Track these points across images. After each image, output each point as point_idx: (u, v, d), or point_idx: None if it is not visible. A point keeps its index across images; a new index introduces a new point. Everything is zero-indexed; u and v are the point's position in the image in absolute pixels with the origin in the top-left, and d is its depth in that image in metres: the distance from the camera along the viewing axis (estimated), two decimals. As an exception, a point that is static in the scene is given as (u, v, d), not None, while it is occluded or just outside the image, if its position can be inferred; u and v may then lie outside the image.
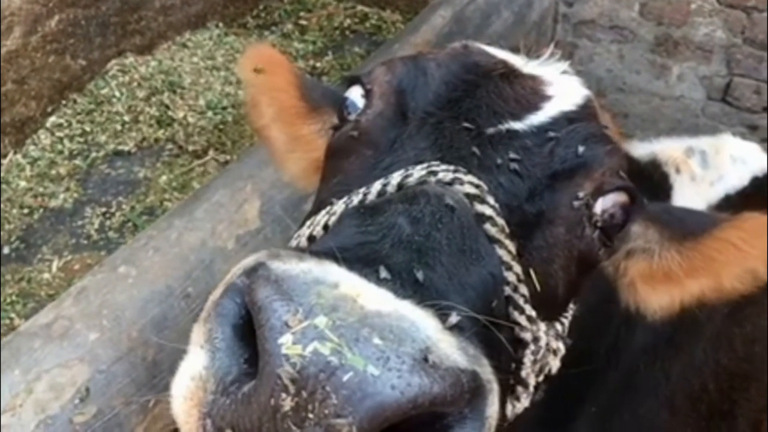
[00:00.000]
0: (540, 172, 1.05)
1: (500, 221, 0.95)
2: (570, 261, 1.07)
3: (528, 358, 0.98)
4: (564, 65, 1.23)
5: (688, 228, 1.23)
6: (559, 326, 1.09)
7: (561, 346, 1.07)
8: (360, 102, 1.15)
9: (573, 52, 4.19)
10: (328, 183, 1.14)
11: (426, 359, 0.63)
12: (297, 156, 1.43)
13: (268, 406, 0.61)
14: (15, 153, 3.17)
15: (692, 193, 1.87)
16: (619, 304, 1.29)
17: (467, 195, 0.94)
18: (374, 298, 0.66)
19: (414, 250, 0.81)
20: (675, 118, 4.17)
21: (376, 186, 0.96)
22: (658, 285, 1.24)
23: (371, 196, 0.95)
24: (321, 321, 0.61)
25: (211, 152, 3.41)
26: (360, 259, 0.75)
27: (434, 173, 0.97)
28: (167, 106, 3.59)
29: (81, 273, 2.53)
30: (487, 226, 0.94)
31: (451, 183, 0.95)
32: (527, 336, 0.97)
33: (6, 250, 2.80)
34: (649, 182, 1.85)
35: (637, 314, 1.55)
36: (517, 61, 1.20)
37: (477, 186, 0.96)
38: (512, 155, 1.04)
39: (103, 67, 3.57)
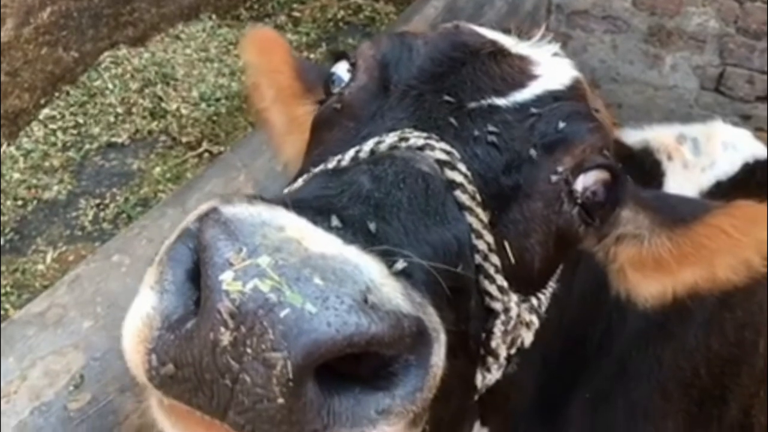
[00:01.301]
0: (518, 146, 1.05)
1: (471, 189, 0.95)
2: (548, 236, 1.06)
3: (498, 328, 0.99)
4: (555, 47, 1.23)
5: (679, 214, 1.23)
6: (534, 300, 1.09)
7: (534, 320, 1.07)
8: (346, 76, 1.16)
9: (566, 43, 4.19)
10: (310, 155, 1.15)
11: (366, 300, 0.63)
12: (293, 138, 1.44)
13: (208, 340, 0.62)
14: (9, 145, 3.16)
15: (684, 179, 1.88)
16: (611, 291, 1.29)
17: (438, 161, 0.95)
18: (319, 241, 0.68)
19: (371, 205, 0.82)
20: (668, 108, 4.18)
21: (350, 153, 0.96)
22: (648, 272, 1.23)
23: (344, 162, 0.95)
24: (263, 260, 0.63)
25: (204, 144, 3.41)
26: (313, 208, 0.76)
27: (406, 139, 0.97)
28: (160, 98, 3.59)
29: (75, 264, 2.53)
30: (457, 192, 0.94)
31: (422, 148, 0.96)
32: (498, 306, 0.98)
33: (1, 241, 2.80)
34: (641, 169, 1.86)
35: (629, 301, 1.56)
36: (508, 42, 1.19)
37: (448, 153, 0.96)
38: (491, 128, 1.04)
39: (95, 59, 3.56)
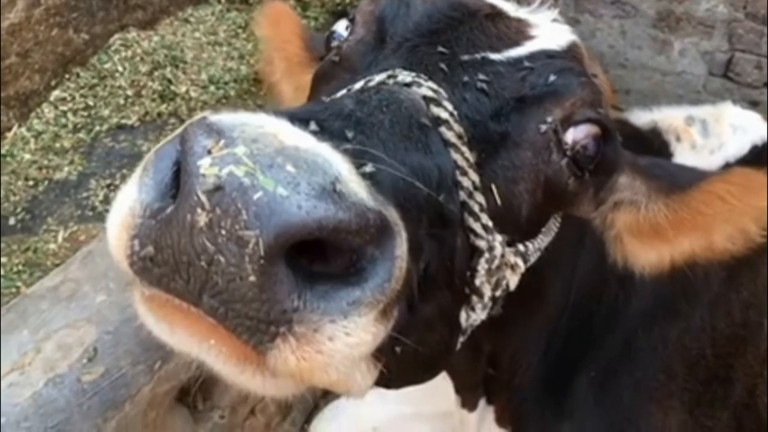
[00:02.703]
0: (508, 95, 1.07)
1: (457, 127, 0.97)
2: (536, 185, 1.09)
3: (482, 266, 1.01)
4: (554, 13, 1.25)
5: (676, 181, 1.24)
6: (521, 247, 1.10)
7: (520, 263, 1.09)
8: (345, 33, 1.19)
9: (575, 28, 4.19)
10: None
11: (335, 190, 0.67)
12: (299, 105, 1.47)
13: (185, 222, 0.65)
14: (20, 126, 3.18)
15: (692, 161, 1.87)
16: (616, 270, 1.31)
17: (424, 97, 0.97)
18: (294, 136, 0.71)
19: (352, 120, 0.86)
20: (676, 94, 4.17)
21: (341, 92, 0.99)
22: (645, 239, 1.25)
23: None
24: (240, 149, 0.66)
25: (213, 126, 3.42)
26: (294, 116, 0.79)
27: (394, 76, 1.00)
28: (170, 81, 3.60)
29: (86, 243, 2.55)
30: (443, 129, 0.96)
31: (409, 85, 0.98)
32: (482, 244, 0.99)
33: (12, 221, 2.83)
34: (650, 150, 1.86)
35: (635, 279, 1.56)
36: (507, 6, 1.21)
37: (435, 91, 0.99)
38: (481, 77, 1.07)
39: (105, 41, 3.57)
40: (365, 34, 1.16)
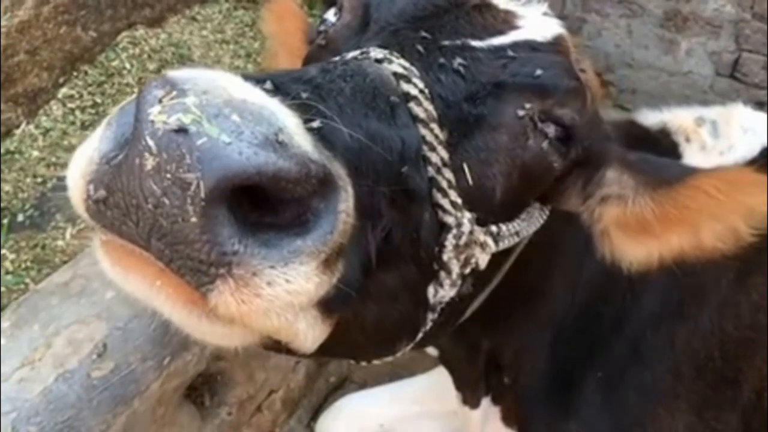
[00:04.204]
0: (485, 79, 1.08)
1: (427, 104, 0.99)
2: (511, 168, 1.10)
3: (449, 242, 1.02)
4: (544, 6, 1.26)
5: (663, 176, 1.24)
6: (494, 228, 1.11)
7: (490, 242, 1.10)
8: (334, 19, 1.21)
9: (581, 27, 4.18)
10: None
11: (278, 140, 0.70)
12: None
13: (134, 166, 0.68)
14: (28, 123, 3.19)
15: (702, 162, 1.87)
16: (624, 270, 1.30)
17: (395, 74, 0.99)
18: (244, 90, 0.74)
19: (311, 85, 0.88)
20: (683, 94, 4.16)
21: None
22: (632, 233, 1.25)
23: None
24: (190, 100, 0.69)
25: (220, 124, 3.42)
26: (252, 77, 0.81)
27: (366, 53, 1.02)
28: (177, 79, 3.60)
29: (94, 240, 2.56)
30: (411, 104, 0.98)
31: (380, 61, 1.00)
32: (450, 220, 1.01)
33: (20, 217, 2.83)
34: (658, 150, 1.86)
35: (643, 280, 1.56)
36: (499, 0, 1.22)
37: (406, 68, 1.00)
38: (459, 60, 1.08)
39: (113, 39, 3.56)
40: (351, 20, 1.19)
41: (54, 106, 3.33)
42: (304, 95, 0.84)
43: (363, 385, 2.91)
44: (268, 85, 0.82)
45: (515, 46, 1.14)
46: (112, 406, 1.61)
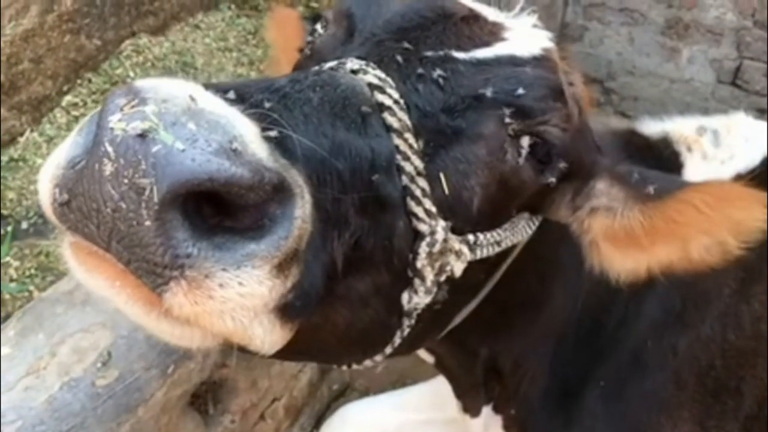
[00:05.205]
0: (465, 92, 1.09)
1: (401, 114, 1.00)
2: (490, 180, 1.11)
3: (423, 249, 1.03)
4: (534, 18, 1.27)
5: (652, 189, 1.24)
6: (471, 237, 1.12)
7: (465, 251, 1.10)
8: (321, 30, 1.24)
9: (583, 35, 4.19)
10: None
11: (232, 148, 0.73)
12: None
13: (94, 171, 0.72)
14: (32, 131, 3.20)
15: (703, 171, 1.87)
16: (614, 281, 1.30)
17: (369, 84, 1.01)
18: (204, 99, 0.76)
19: (278, 94, 0.90)
20: (684, 102, 4.18)
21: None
22: (620, 245, 1.25)
23: None
24: (149, 108, 0.72)
25: (223, 131, 3.43)
26: (216, 86, 0.84)
27: (343, 64, 1.04)
28: (180, 87, 3.61)
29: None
30: (385, 114, 0.99)
31: (356, 72, 1.02)
32: (424, 228, 1.02)
33: (24, 225, 2.84)
34: (659, 159, 1.86)
35: (645, 290, 1.56)
36: (488, 11, 1.24)
37: (382, 79, 1.02)
38: (439, 72, 1.09)
39: (117, 47, 3.57)
40: (336, 30, 1.21)
41: (58, 114, 3.34)
42: (267, 104, 0.86)
43: (365, 393, 2.92)
44: (231, 94, 0.84)
45: (499, 59, 1.15)
46: (117, 415, 1.61)
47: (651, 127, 1.97)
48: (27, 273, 2.60)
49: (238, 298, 0.76)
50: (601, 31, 4.23)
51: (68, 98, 3.40)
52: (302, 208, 0.79)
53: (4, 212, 2.79)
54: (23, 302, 2.44)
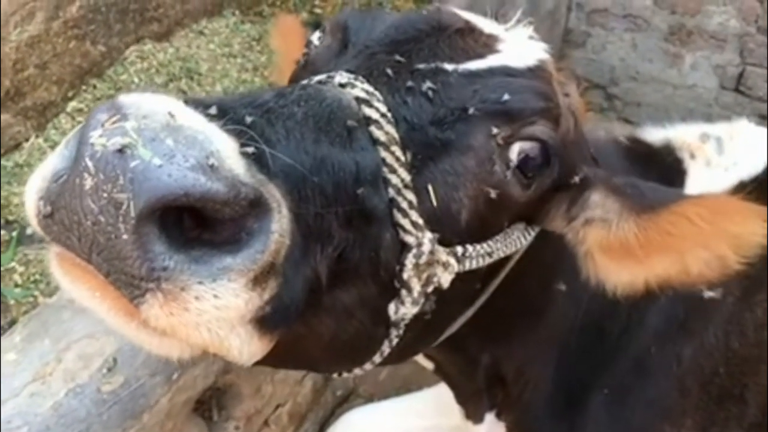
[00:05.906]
0: (454, 104, 1.10)
1: (388, 128, 1.01)
2: (478, 193, 1.11)
3: (410, 261, 1.04)
4: (530, 30, 1.27)
5: (648, 201, 1.24)
6: (459, 248, 1.12)
7: (453, 262, 1.10)
8: (318, 41, 1.25)
9: (586, 41, 4.20)
10: None
11: (209, 164, 0.74)
12: None
13: (75, 185, 0.74)
14: (37, 137, 3.21)
15: (706, 178, 1.87)
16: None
17: (357, 98, 1.01)
18: (184, 115, 0.78)
19: (262, 109, 0.91)
20: (688, 108, 4.18)
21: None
22: (616, 257, 1.25)
23: None
24: (130, 124, 0.74)
25: (227, 137, 3.44)
26: (198, 101, 0.85)
27: (331, 77, 1.05)
28: (185, 92, 3.62)
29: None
30: (372, 128, 1.00)
31: (344, 86, 1.03)
32: (410, 240, 1.03)
33: (29, 230, 2.85)
34: (662, 166, 1.87)
35: (648, 297, 1.56)
36: (484, 23, 1.24)
37: (369, 93, 1.03)
38: (429, 84, 1.10)
39: (122, 53, 3.59)
40: (331, 42, 1.22)
41: (63, 120, 3.36)
42: (249, 119, 0.87)
43: (369, 399, 2.92)
44: (213, 109, 0.85)
45: (492, 70, 1.16)
46: (122, 421, 1.61)
47: (654, 134, 1.98)
48: (32, 278, 2.62)
49: (214, 310, 0.77)
50: (604, 37, 4.24)
51: (73, 104, 3.42)
52: (279, 222, 0.80)
53: (9, 218, 2.80)
54: (28, 308, 2.44)
